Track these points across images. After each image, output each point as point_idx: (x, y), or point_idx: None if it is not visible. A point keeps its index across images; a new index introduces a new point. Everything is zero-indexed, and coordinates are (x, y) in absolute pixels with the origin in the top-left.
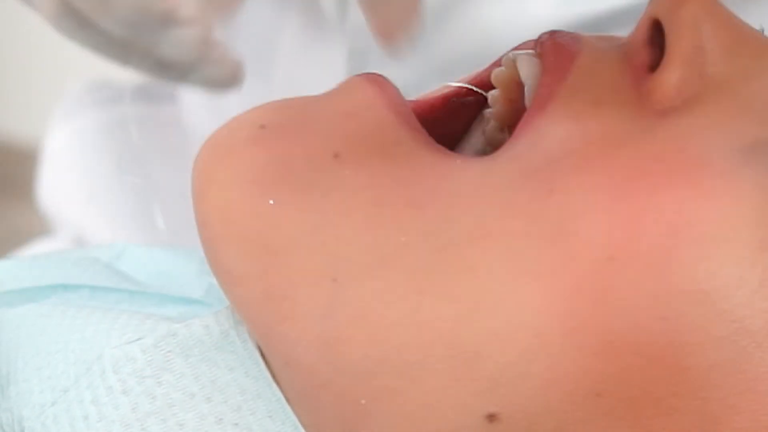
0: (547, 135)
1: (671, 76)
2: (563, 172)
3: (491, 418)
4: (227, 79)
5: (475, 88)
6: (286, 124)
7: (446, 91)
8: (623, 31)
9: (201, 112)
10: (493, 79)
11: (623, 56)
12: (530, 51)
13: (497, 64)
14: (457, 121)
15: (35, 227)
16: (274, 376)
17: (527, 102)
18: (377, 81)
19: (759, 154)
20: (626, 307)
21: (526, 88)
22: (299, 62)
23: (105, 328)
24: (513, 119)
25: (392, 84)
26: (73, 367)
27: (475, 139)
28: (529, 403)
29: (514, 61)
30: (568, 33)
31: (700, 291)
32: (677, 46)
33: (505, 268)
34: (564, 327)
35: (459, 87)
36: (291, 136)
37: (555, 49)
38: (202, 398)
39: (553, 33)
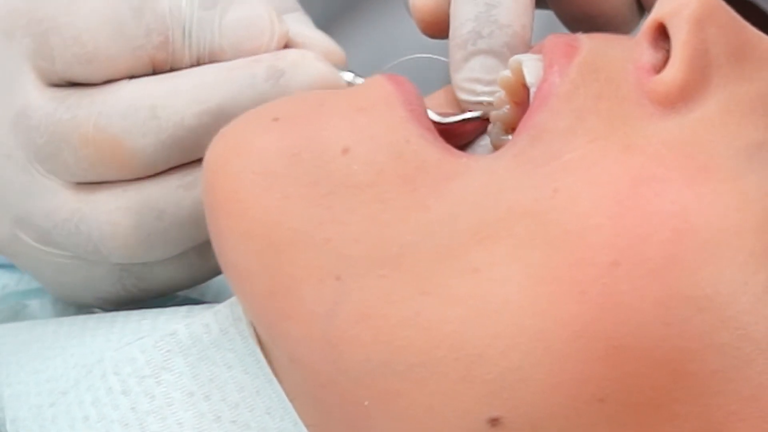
0: (548, 130)
1: (676, 76)
2: (567, 170)
3: (494, 422)
4: None
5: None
6: (299, 117)
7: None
8: None
9: None
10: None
11: (627, 56)
12: (537, 56)
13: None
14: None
15: None
16: (276, 373)
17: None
18: (396, 80)
19: (763, 159)
20: (630, 312)
21: (531, 92)
22: None
23: (103, 332)
24: (518, 122)
25: (411, 84)
26: (73, 370)
27: (483, 141)
28: (531, 408)
29: (520, 65)
30: (569, 34)
31: (703, 297)
32: (682, 47)
33: (510, 270)
34: (568, 331)
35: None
36: (302, 129)
37: (556, 46)
38: (200, 396)
39: (555, 33)
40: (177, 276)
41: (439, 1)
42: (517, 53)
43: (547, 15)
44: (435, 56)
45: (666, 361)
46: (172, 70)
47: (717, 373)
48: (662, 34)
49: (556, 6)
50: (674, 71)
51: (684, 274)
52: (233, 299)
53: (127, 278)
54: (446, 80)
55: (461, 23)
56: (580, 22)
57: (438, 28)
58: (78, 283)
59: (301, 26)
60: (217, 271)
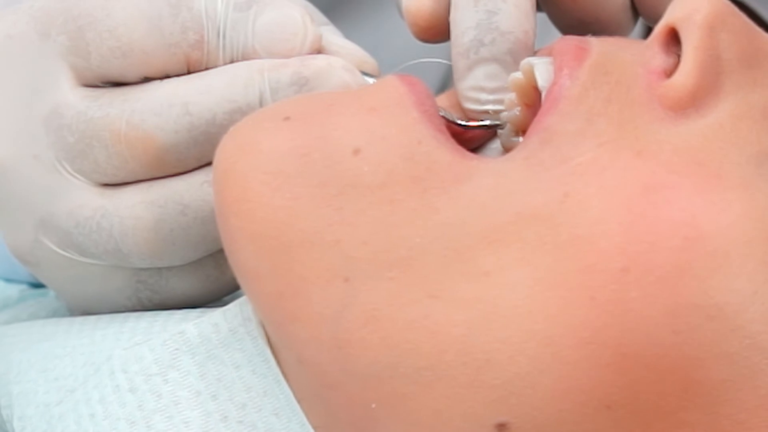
0: (558, 133)
1: (686, 81)
2: (577, 174)
3: (501, 427)
4: None
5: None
6: (310, 117)
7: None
8: None
9: None
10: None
11: (637, 60)
12: (549, 59)
13: None
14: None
15: None
16: (284, 374)
17: None
18: (409, 80)
19: None
20: (639, 319)
21: (543, 95)
22: None
23: (114, 332)
24: (529, 125)
25: (424, 84)
26: (82, 369)
27: (494, 144)
28: (539, 414)
29: (531, 67)
30: (580, 37)
31: (713, 305)
32: (693, 52)
33: (519, 275)
34: (576, 338)
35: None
36: (313, 128)
37: (566, 48)
38: (207, 396)
39: (565, 36)
40: (193, 289)
41: (435, 6)
42: (520, 60)
43: (546, 19)
44: (440, 60)
45: (674, 369)
46: (206, 70)
47: (725, 382)
48: (674, 38)
49: (551, 12)
50: (685, 76)
51: (693, 282)
52: (243, 299)
53: (142, 291)
54: (450, 82)
55: (462, 31)
56: (575, 28)
57: (432, 33)
58: (95, 295)
59: (334, 36)
60: (234, 286)
